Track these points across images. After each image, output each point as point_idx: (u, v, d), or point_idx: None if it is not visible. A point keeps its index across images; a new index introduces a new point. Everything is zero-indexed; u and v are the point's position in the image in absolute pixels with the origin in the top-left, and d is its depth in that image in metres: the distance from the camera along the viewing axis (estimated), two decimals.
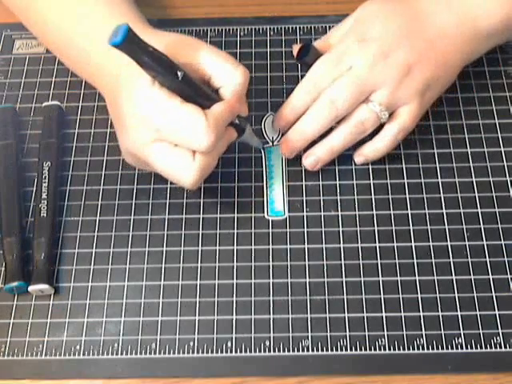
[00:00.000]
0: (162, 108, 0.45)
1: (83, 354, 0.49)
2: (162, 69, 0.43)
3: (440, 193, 0.54)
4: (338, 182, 0.55)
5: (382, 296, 0.50)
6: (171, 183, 0.54)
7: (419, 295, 0.50)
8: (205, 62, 0.47)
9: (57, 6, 0.54)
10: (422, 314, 0.49)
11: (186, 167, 0.46)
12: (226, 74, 0.47)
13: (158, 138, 0.46)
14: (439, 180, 0.55)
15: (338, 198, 0.54)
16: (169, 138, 0.46)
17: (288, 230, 0.53)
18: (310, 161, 0.55)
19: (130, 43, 0.40)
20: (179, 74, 0.44)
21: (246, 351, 0.48)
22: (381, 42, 0.52)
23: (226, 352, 0.48)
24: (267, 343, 0.49)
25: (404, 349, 0.48)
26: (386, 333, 0.49)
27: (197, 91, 0.46)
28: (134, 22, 0.50)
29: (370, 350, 0.48)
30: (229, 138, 0.50)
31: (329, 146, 0.54)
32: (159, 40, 0.46)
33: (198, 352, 0.49)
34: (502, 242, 0.52)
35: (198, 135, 0.45)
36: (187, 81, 0.45)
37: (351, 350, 0.48)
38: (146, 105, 0.45)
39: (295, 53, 0.58)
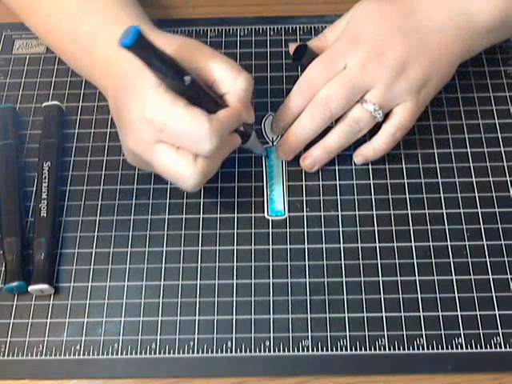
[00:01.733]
0: (166, 110, 0.45)
1: (83, 354, 0.49)
2: (170, 72, 0.43)
3: (440, 193, 0.54)
4: (338, 182, 0.55)
5: (382, 296, 0.50)
6: (171, 183, 0.54)
7: (419, 295, 0.50)
8: (209, 67, 0.47)
9: (62, 5, 0.53)
10: (421, 314, 0.49)
11: (187, 170, 0.46)
12: (229, 80, 0.47)
13: (160, 140, 0.46)
14: (439, 180, 0.55)
15: (338, 198, 0.54)
16: (171, 140, 0.45)
17: (288, 230, 0.53)
18: (307, 162, 0.55)
19: (140, 45, 0.40)
20: (186, 78, 0.44)
21: (246, 351, 0.48)
22: (373, 42, 0.52)
23: (226, 352, 0.48)
24: (267, 343, 0.49)
25: (404, 349, 0.48)
26: (385, 333, 0.49)
27: (203, 96, 0.46)
28: (141, 24, 0.50)
29: (370, 350, 0.48)
30: (233, 144, 0.50)
31: (325, 147, 0.54)
32: (166, 43, 0.45)
33: (198, 352, 0.49)
34: (502, 242, 0.52)
35: (201, 139, 0.45)
36: (194, 85, 0.45)
37: (351, 350, 0.48)
38: (151, 107, 0.45)
39: (291, 52, 0.58)
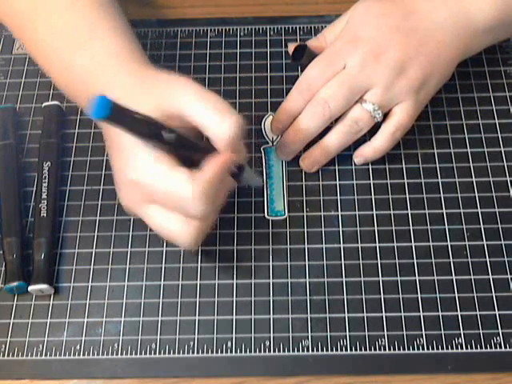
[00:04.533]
0: (149, 173, 0.42)
1: (83, 354, 0.49)
2: (148, 134, 0.41)
3: (440, 193, 0.54)
4: (337, 182, 0.55)
5: (382, 296, 0.50)
6: None
7: (419, 295, 0.50)
8: (192, 112, 0.43)
9: (59, 31, 0.50)
10: (421, 314, 0.49)
11: (181, 232, 0.44)
12: (214, 126, 0.43)
13: (151, 201, 0.44)
14: (439, 180, 0.55)
15: (338, 198, 0.54)
16: (160, 202, 0.44)
17: (288, 230, 0.53)
18: (307, 162, 0.55)
19: (115, 117, 0.38)
20: (166, 136, 0.41)
21: (246, 351, 0.48)
22: (372, 42, 0.52)
23: (226, 352, 0.49)
24: (267, 343, 0.49)
25: (404, 349, 0.48)
26: (385, 333, 0.49)
27: (189, 147, 0.44)
28: (133, 62, 0.48)
29: (370, 350, 0.48)
30: (227, 190, 0.47)
31: (325, 147, 0.54)
32: (149, 91, 0.44)
33: (198, 352, 0.49)
34: (502, 242, 0.52)
35: (186, 204, 0.42)
36: (177, 141, 0.42)
37: (351, 350, 0.48)
38: (134, 170, 0.43)
39: (291, 52, 0.58)
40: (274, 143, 0.57)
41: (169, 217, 0.44)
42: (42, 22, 0.51)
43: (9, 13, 0.54)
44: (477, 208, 0.54)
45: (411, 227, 0.53)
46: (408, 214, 0.54)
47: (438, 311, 0.49)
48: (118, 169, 0.45)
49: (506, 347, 0.48)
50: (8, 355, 0.49)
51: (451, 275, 0.51)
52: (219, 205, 0.46)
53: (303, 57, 0.55)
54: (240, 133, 0.44)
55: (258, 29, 0.64)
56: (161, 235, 0.46)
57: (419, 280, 0.51)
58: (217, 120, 0.43)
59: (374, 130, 0.54)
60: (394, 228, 0.53)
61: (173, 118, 0.43)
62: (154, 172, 0.42)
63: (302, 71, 0.54)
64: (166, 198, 0.43)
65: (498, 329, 0.49)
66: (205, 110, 0.43)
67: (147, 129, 0.41)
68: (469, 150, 0.57)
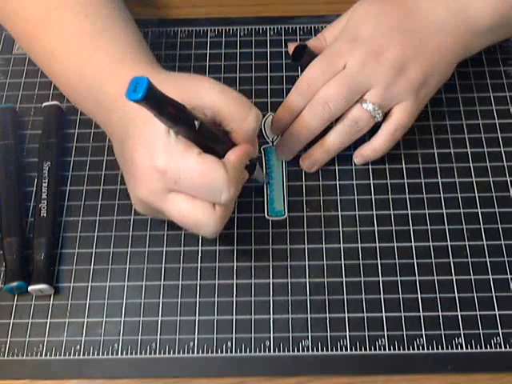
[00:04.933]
0: (179, 161, 0.43)
1: (83, 354, 0.49)
2: (181, 120, 0.42)
3: (440, 193, 0.54)
4: (337, 182, 0.55)
5: (382, 296, 0.50)
6: None
7: (419, 295, 0.50)
8: (216, 107, 0.45)
9: (70, 38, 0.51)
10: (421, 314, 0.49)
11: (208, 219, 0.44)
12: (238, 120, 0.46)
13: (174, 190, 0.44)
14: (439, 180, 0.55)
15: (338, 198, 0.54)
16: (187, 191, 0.44)
17: (288, 229, 0.53)
18: (307, 162, 0.55)
19: (150, 98, 0.38)
20: (196, 123, 0.42)
21: (246, 351, 0.48)
22: (372, 42, 0.52)
23: (226, 352, 0.49)
24: (267, 343, 0.49)
25: (404, 349, 0.48)
26: (385, 333, 0.49)
27: (212, 137, 0.45)
28: (146, 64, 0.49)
29: (370, 350, 0.48)
30: (243, 181, 0.48)
31: (325, 147, 0.54)
32: (172, 83, 0.44)
33: (198, 352, 0.49)
34: (502, 242, 0.52)
35: (219, 189, 0.43)
36: (203, 129, 0.43)
37: (351, 350, 0.48)
38: (163, 157, 0.43)
39: (291, 52, 0.58)
40: (274, 143, 0.57)
41: (195, 205, 0.44)
42: (47, 29, 0.52)
43: (15, 20, 0.54)
44: (477, 208, 0.54)
45: (411, 227, 0.53)
46: (408, 214, 0.53)
47: (438, 311, 0.49)
48: (141, 158, 0.44)
49: (506, 347, 0.48)
50: (8, 355, 0.49)
51: (451, 275, 0.51)
52: (238, 193, 0.47)
53: (303, 57, 0.55)
54: (258, 126, 0.47)
55: (258, 29, 0.64)
56: (184, 224, 0.46)
57: (419, 280, 0.51)
58: (241, 113, 0.46)
59: (374, 129, 0.54)
60: (393, 228, 0.53)
61: (194, 112, 0.44)
62: (185, 158, 0.43)
63: (302, 71, 0.54)
64: (196, 183, 0.43)
65: (497, 329, 0.49)
66: (230, 104, 0.45)
67: (180, 115, 0.41)
68: (469, 150, 0.57)
